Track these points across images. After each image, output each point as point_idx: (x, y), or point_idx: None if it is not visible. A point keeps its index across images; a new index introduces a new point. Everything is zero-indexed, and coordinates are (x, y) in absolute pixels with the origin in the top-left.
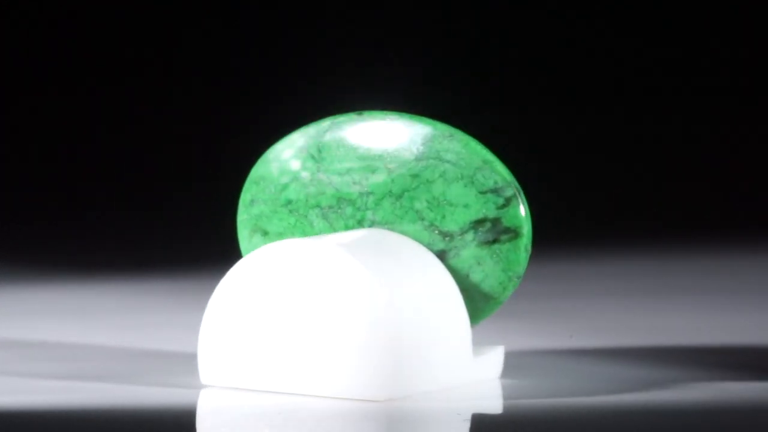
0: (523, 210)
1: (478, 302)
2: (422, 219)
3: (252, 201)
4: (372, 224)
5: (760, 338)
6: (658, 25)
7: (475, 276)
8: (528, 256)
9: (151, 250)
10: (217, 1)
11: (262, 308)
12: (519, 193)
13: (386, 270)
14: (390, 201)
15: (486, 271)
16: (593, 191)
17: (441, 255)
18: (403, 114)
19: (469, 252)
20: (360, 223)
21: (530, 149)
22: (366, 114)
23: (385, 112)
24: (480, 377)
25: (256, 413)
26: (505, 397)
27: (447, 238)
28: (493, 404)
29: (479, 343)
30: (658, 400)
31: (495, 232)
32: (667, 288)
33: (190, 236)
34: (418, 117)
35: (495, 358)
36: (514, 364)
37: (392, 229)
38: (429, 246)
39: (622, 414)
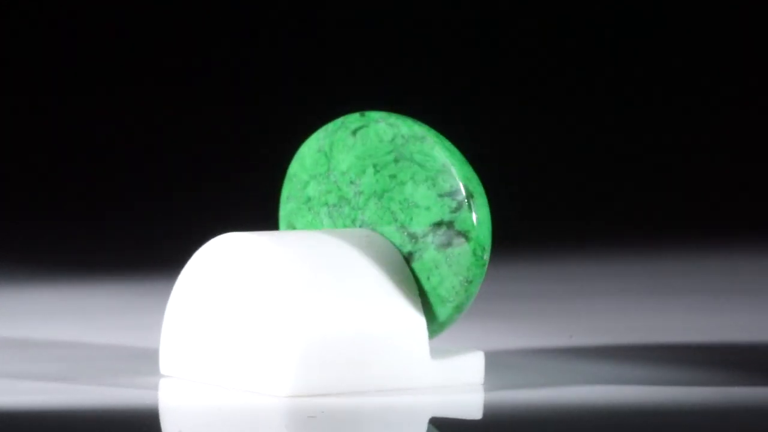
0: (474, 215)
1: (436, 306)
2: (396, 220)
3: (287, 197)
4: (362, 224)
5: (760, 338)
6: (639, 24)
7: (434, 279)
8: (479, 261)
9: (151, 250)
10: (253, 7)
11: (206, 301)
12: (472, 198)
13: (318, 270)
14: (374, 201)
15: (442, 274)
16: (592, 192)
17: (408, 257)
18: (392, 114)
19: (429, 255)
20: (354, 222)
21: (528, 150)
22: (367, 114)
23: (382, 112)
24: (447, 381)
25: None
26: (468, 399)
27: (413, 240)
28: (439, 403)
29: (469, 346)
30: (657, 400)
31: (449, 235)
32: (667, 288)
33: (191, 237)
34: (404, 117)
35: (470, 362)
36: (512, 364)
37: (375, 230)
38: (400, 247)
39: (621, 414)
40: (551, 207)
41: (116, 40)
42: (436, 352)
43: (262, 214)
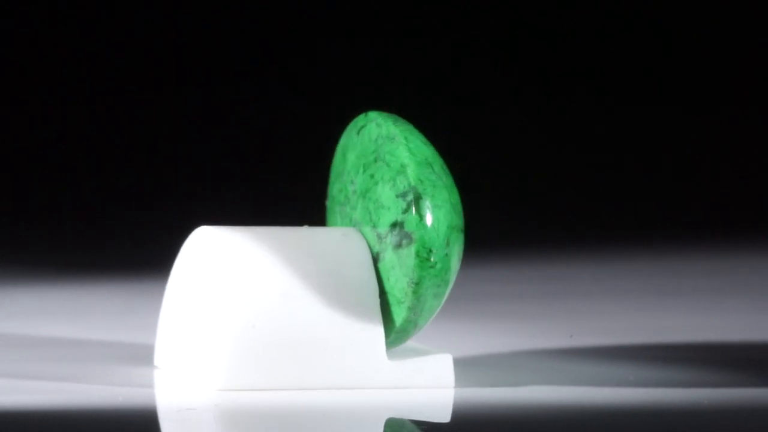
0: (418, 216)
1: (393, 307)
2: (371, 220)
3: (327, 196)
4: (354, 223)
5: (760, 338)
6: (635, 20)
7: (392, 280)
8: (423, 263)
9: (151, 250)
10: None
11: (180, 294)
12: (421, 199)
13: (269, 266)
14: (361, 200)
15: (396, 275)
16: (591, 192)
17: (376, 257)
18: (382, 113)
19: (388, 255)
20: (351, 222)
21: (528, 149)
22: (369, 114)
23: (378, 112)
24: (410, 383)
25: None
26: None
27: (380, 240)
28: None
29: (464, 347)
30: (656, 400)
31: (400, 236)
32: (667, 288)
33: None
34: (388, 117)
35: (435, 364)
36: (512, 365)
37: (360, 229)
38: (372, 247)
39: (620, 414)
40: (550, 207)
41: (115, 40)
42: (404, 354)
43: (264, 213)
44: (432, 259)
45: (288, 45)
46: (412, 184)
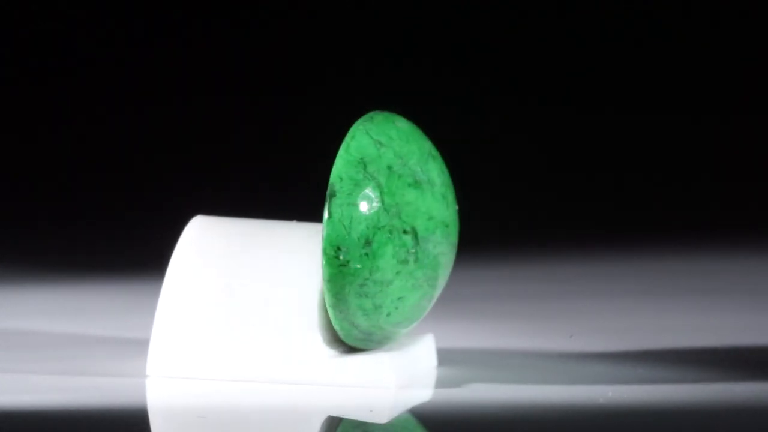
0: (328, 213)
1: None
2: None
3: None
4: None
5: (760, 338)
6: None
7: None
8: (329, 260)
9: (151, 249)
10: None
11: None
12: (332, 197)
13: (226, 258)
14: None
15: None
16: (590, 191)
17: None
18: (372, 112)
19: None
20: None
21: (528, 149)
22: (372, 114)
23: (375, 111)
24: (351, 382)
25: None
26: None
27: None
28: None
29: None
30: (655, 400)
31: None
32: (666, 288)
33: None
34: (368, 115)
35: (373, 364)
36: (511, 365)
37: None
38: None
39: (620, 414)
40: (551, 207)
41: (115, 39)
42: (349, 352)
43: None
44: (341, 257)
45: (307, 46)
46: (331, 181)
